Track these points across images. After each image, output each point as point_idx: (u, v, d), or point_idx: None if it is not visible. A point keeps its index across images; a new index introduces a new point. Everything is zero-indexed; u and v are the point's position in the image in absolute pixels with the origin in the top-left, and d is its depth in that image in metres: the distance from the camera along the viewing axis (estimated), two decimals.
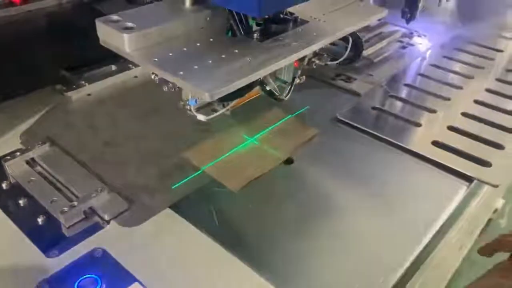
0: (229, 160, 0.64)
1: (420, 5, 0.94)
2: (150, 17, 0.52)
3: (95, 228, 0.53)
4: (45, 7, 0.78)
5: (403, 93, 0.83)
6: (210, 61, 0.48)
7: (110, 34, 0.49)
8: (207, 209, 0.57)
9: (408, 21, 0.96)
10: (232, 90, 0.44)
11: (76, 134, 0.68)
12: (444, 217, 0.58)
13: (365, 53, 0.93)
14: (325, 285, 0.49)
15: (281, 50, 0.51)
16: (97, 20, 0.50)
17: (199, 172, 0.61)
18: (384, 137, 0.69)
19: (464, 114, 0.77)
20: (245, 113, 0.73)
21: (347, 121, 0.73)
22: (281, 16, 0.55)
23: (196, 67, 0.46)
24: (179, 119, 0.61)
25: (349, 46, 0.60)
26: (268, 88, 0.53)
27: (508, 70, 0.92)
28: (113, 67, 0.81)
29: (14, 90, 0.73)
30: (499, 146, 0.69)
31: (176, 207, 0.56)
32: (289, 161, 0.65)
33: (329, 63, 0.63)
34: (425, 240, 0.54)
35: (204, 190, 0.59)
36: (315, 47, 0.53)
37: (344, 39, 0.61)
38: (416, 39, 1.03)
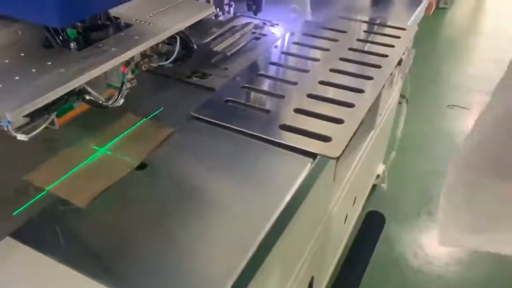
0: (77, 175, 0.62)
1: None
2: None
3: None
4: None
5: (256, 83, 0.86)
6: (17, 78, 0.45)
7: None
8: (53, 231, 0.55)
9: (255, 12, 1.00)
10: (40, 105, 0.43)
11: None
12: (291, 191, 0.61)
13: (218, 48, 0.96)
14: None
15: (98, 57, 0.50)
16: None
17: (42, 193, 0.59)
18: (236, 127, 0.72)
19: (309, 96, 0.82)
20: (96, 122, 0.71)
21: (201, 116, 0.75)
22: (100, 22, 0.54)
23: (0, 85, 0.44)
24: (24, 142, 0.58)
25: (177, 44, 0.61)
26: (87, 98, 0.52)
27: (350, 49, 1.00)
28: None
29: None
30: (339, 121, 0.75)
31: (18, 235, 0.53)
32: (142, 166, 0.65)
33: (162, 63, 0.63)
34: (275, 215, 0.57)
35: (50, 212, 0.57)
36: (135, 50, 0.53)
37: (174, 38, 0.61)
38: (269, 29, 1.08)
